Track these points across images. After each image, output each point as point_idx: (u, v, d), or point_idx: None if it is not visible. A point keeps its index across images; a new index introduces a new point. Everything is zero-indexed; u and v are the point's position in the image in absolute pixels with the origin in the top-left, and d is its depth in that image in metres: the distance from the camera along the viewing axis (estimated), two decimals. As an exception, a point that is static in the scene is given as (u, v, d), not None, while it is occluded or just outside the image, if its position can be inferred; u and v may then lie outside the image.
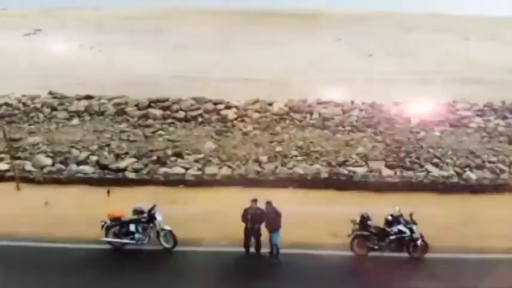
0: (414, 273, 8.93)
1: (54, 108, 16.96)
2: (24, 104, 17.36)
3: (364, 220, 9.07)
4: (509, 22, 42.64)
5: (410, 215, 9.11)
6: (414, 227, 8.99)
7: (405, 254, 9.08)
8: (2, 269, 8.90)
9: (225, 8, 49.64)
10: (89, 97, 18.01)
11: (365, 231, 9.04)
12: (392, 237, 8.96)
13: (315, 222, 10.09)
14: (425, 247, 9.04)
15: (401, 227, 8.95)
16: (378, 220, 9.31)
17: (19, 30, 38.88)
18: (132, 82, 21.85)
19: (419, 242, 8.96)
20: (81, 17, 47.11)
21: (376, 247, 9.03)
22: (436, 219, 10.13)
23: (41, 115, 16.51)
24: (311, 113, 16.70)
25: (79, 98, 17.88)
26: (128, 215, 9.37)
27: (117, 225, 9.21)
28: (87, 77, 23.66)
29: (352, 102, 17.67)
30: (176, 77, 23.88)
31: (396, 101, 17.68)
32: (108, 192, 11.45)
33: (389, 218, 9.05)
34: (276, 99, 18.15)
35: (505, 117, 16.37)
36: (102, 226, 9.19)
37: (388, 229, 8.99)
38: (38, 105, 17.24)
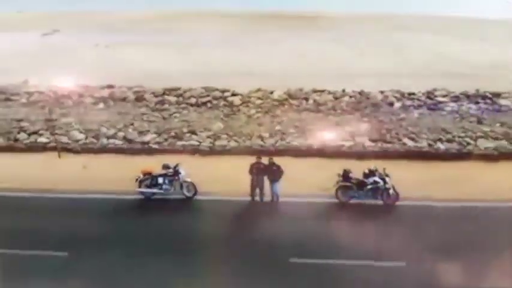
0: (387, 216, 11.19)
1: (81, 95, 19.28)
2: (54, 92, 19.67)
3: (346, 173, 11.33)
4: (495, 23, 45.02)
5: (384, 169, 11.37)
6: (387, 179, 11.23)
7: (380, 202, 11.34)
8: (54, 214, 11.15)
9: (230, 11, 52.00)
10: (110, 86, 20.36)
11: (347, 183, 11.29)
12: (369, 187, 11.20)
13: (308, 179, 12.33)
14: (396, 196, 11.27)
15: (376, 179, 11.19)
16: (358, 175, 11.59)
17: (37, 31, 41.40)
18: (146, 75, 24.18)
19: (391, 191, 11.20)
20: (94, 19, 49.60)
21: (356, 195, 11.29)
22: (407, 177, 12.33)
23: (70, 101, 18.85)
24: (307, 99, 18.97)
25: (102, 87, 20.23)
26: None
27: (148, 179, 11.48)
28: (102, 71, 26.02)
29: (344, 90, 19.94)
30: (185, 71, 26.21)
31: (382, 90, 19.96)
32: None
33: (367, 171, 11.31)
34: (276, 88, 20.48)
35: (477, 102, 18.65)
36: (136, 179, 11.48)
37: (365, 180, 11.23)
38: (67, 92, 19.56)
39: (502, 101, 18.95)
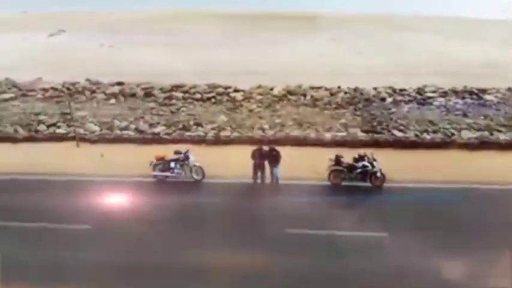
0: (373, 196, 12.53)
1: (93, 91, 20.62)
2: (68, 88, 21.00)
3: (338, 159, 12.65)
4: (491, 24, 46.37)
5: (372, 154, 12.68)
6: (375, 163, 12.54)
7: (368, 184, 12.66)
8: (78, 194, 12.48)
9: (230, 11, 53.36)
10: (120, 83, 21.69)
11: (339, 167, 12.60)
12: (358, 171, 12.51)
13: (304, 165, 13.64)
14: (383, 178, 12.58)
15: (365, 163, 12.50)
16: (349, 161, 12.90)
17: (43, 31, 42.78)
18: (151, 74, 25.47)
19: (378, 174, 12.51)
20: (96, 20, 50.99)
21: (346, 178, 12.59)
22: (394, 163, 13.64)
23: (83, 96, 20.19)
24: (304, 95, 20.29)
25: (112, 84, 21.56)
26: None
27: (162, 163, 12.80)
28: (110, 69, 27.34)
29: (339, 87, 21.27)
30: (189, 69, 27.53)
31: (375, 86, 21.28)
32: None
33: (356, 156, 12.62)
34: (276, 85, 21.81)
35: (463, 97, 19.96)
36: (151, 164, 12.79)
37: (355, 164, 12.54)
38: (80, 89, 20.93)
39: (487, 97, 20.28)
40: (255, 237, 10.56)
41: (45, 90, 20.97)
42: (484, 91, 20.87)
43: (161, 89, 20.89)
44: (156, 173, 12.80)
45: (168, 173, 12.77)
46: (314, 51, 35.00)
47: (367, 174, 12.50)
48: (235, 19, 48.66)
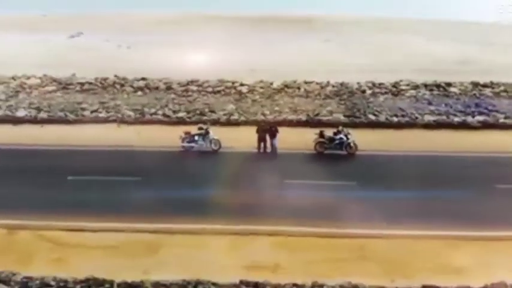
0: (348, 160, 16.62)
1: (122, 85, 24.69)
2: (100, 83, 25.07)
3: (321, 133, 16.75)
4: (469, 25, 50.70)
5: (346, 129, 16.76)
6: (349, 136, 16.60)
7: (344, 152, 16.71)
8: (127, 159, 16.51)
9: (233, 14, 57.56)
10: (144, 78, 25.74)
11: (322, 139, 16.66)
12: (336, 142, 16.57)
13: (297, 139, 17.68)
14: (355, 147, 16.64)
15: (342, 136, 16.56)
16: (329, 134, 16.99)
17: (63, 33, 46.90)
18: (166, 71, 29.52)
19: (351, 144, 16.56)
20: (111, 21, 55.14)
21: (328, 147, 16.65)
22: (367, 139, 17.68)
23: (115, 89, 24.27)
24: (299, 88, 24.36)
25: (137, 79, 25.62)
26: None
27: (188, 137, 16.86)
28: (130, 67, 31.39)
29: (328, 82, 25.33)
30: (200, 67, 31.57)
31: (358, 82, 25.34)
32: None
33: (335, 131, 16.70)
34: (275, 80, 25.88)
35: (431, 90, 24.05)
36: (180, 137, 16.85)
37: (334, 137, 16.60)
38: (110, 83, 25.01)
39: (452, 89, 24.37)
40: (259, 184, 14.61)
41: (81, 84, 25.01)
42: (449, 85, 24.94)
43: (179, 83, 24.93)
44: (184, 144, 16.87)
45: (193, 144, 16.83)
46: (308, 50, 39.18)
47: (343, 144, 16.57)
48: (238, 21, 52.80)
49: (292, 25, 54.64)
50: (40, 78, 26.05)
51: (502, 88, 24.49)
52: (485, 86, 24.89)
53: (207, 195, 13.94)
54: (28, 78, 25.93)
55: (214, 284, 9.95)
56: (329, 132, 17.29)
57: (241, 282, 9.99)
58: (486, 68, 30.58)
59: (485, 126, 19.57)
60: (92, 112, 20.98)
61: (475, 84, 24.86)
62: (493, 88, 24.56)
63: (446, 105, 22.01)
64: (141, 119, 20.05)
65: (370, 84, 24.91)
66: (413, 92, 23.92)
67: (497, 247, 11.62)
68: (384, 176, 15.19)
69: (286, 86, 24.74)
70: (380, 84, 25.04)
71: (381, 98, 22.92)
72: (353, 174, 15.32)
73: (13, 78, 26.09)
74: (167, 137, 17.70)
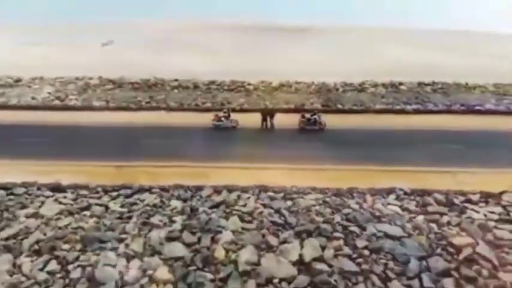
0: (319, 134, 25.62)
1: (162, 84, 33.71)
2: (145, 83, 34.06)
3: (303, 115, 25.76)
4: (443, 33, 59.83)
5: (318, 112, 25.76)
6: (321, 116, 25.59)
7: (317, 127, 25.69)
8: (172, 129, 25.58)
9: (238, 23, 66.91)
10: (176, 80, 34.76)
11: (303, 119, 25.66)
12: (312, 121, 25.55)
13: (288, 120, 26.66)
14: (325, 125, 25.64)
15: (316, 117, 25.56)
16: (308, 117, 25.98)
17: (95, 40, 56.07)
18: (189, 73, 38.56)
19: (322, 122, 25.55)
20: (136, 29, 64.42)
21: (307, 124, 25.64)
22: (335, 120, 26.65)
23: (156, 88, 33.27)
24: (291, 86, 33.41)
25: (172, 80, 34.64)
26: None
27: (216, 118, 25.86)
28: (162, 70, 40.45)
29: (313, 82, 34.35)
30: (215, 71, 40.71)
31: (335, 81, 34.35)
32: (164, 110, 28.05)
33: (311, 114, 25.71)
34: (273, 81, 34.94)
35: (386, 87, 33.04)
36: (213, 119, 25.85)
37: (310, 118, 25.59)
38: (153, 83, 34.01)
39: (402, 87, 33.43)
40: (262, 145, 23.57)
41: (131, 83, 34.05)
42: (401, 84, 34.01)
43: (203, 83, 34.00)
44: (214, 122, 25.85)
45: (219, 123, 25.81)
46: (302, 56, 48.40)
47: (316, 122, 25.55)
48: (243, 30, 62.32)
49: (289, 33, 64.16)
50: (99, 78, 35.15)
51: (439, 86, 33.63)
52: (427, 84, 34.01)
53: (232, 151, 22.99)
54: (90, 78, 35.07)
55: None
56: (308, 115, 26.30)
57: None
58: (441, 71, 39.70)
59: (416, 112, 28.60)
60: (146, 103, 30.01)
61: (420, 83, 33.95)
62: (432, 86, 33.68)
63: (394, 98, 31.03)
64: (181, 107, 29.09)
65: (342, 84, 33.98)
66: (373, 89, 32.97)
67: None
68: (340, 141, 24.18)
69: (282, 84, 33.84)
70: (350, 83, 34.10)
71: (349, 94, 31.97)
72: (321, 140, 24.32)
73: (77, 78, 35.23)
74: (202, 119, 26.74)
